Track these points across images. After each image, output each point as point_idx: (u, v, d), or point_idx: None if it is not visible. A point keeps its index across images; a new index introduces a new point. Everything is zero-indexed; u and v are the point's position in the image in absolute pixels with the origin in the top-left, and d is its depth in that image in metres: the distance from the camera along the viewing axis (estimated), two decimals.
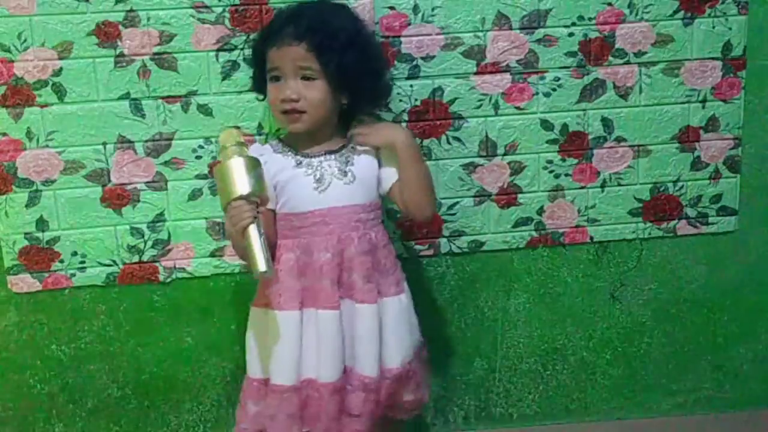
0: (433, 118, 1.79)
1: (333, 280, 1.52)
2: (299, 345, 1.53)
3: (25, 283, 1.79)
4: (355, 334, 1.54)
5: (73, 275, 1.80)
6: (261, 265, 1.40)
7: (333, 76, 1.50)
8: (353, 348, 1.54)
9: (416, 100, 1.78)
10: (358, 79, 1.53)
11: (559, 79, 1.80)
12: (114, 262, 1.80)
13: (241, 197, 1.42)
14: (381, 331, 1.55)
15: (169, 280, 1.82)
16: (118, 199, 1.77)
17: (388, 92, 1.67)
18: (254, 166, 1.45)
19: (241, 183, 1.42)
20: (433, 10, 1.74)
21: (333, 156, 1.56)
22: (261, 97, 1.66)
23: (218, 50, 1.72)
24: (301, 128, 1.54)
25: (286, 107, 1.52)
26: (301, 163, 1.55)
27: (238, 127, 1.51)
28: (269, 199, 1.51)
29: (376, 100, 1.64)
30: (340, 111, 1.58)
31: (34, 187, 1.75)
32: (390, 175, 1.59)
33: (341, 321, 1.53)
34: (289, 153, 1.57)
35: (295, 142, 1.58)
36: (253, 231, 1.42)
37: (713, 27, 1.80)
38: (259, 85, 1.62)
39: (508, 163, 1.83)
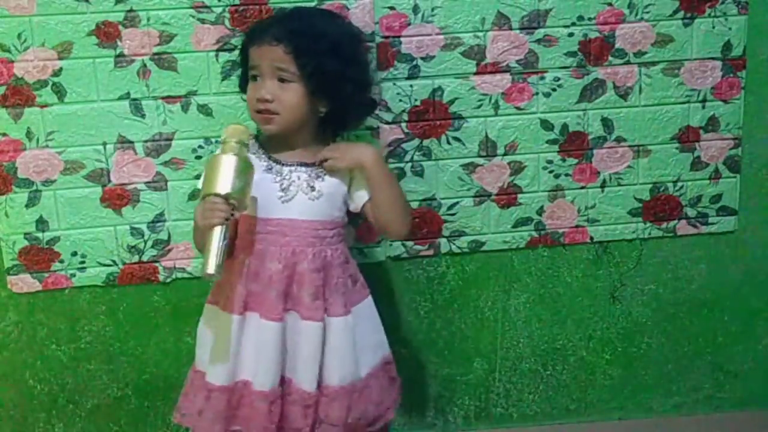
0: (433, 118, 1.79)
1: (279, 292, 1.51)
2: (237, 347, 1.52)
3: (25, 283, 1.79)
4: (297, 348, 1.53)
5: (73, 275, 1.80)
6: (211, 267, 1.41)
7: (309, 79, 1.48)
8: (294, 360, 1.53)
9: (416, 100, 1.78)
10: (337, 86, 1.51)
11: (559, 79, 1.80)
12: (114, 262, 1.80)
13: (219, 195, 1.42)
14: (324, 349, 1.53)
15: (169, 280, 1.82)
16: (118, 199, 1.77)
17: (372, 107, 1.65)
18: (246, 169, 1.45)
19: (224, 182, 1.42)
20: (433, 10, 1.74)
21: (305, 169, 1.55)
22: (245, 96, 1.63)
23: (218, 50, 1.72)
24: (273, 130, 1.53)
25: (260, 107, 1.51)
26: (271, 168, 1.55)
27: (246, 127, 1.51)
28: (247, 207, 1.49)
29: (357, 112, 1.62)
30: (321, 121, 1.56)
31: (34, 187, 1.75)
32: (362, 194, 1.57)
33: (283, 333, 1.52)
34: (263, 155, 1.56)
35: (269, 144, 1.57)
36: (217, 232, 1.43)
37: (713, 27, 1.80)
38: (243, 84, 1.61)
39: (508, 163, 1.83)
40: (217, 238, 1.42)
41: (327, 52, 1.49)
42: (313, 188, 1.54)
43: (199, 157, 1.76)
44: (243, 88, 1.61)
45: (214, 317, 1.58)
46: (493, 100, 1.79)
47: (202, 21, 1.71)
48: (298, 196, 1.53)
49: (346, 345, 1.55)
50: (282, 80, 1.50)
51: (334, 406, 1.55)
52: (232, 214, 1.44)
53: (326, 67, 1.48)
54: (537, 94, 1.80)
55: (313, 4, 1.70)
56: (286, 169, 1.55)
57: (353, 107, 1.59)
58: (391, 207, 1.56)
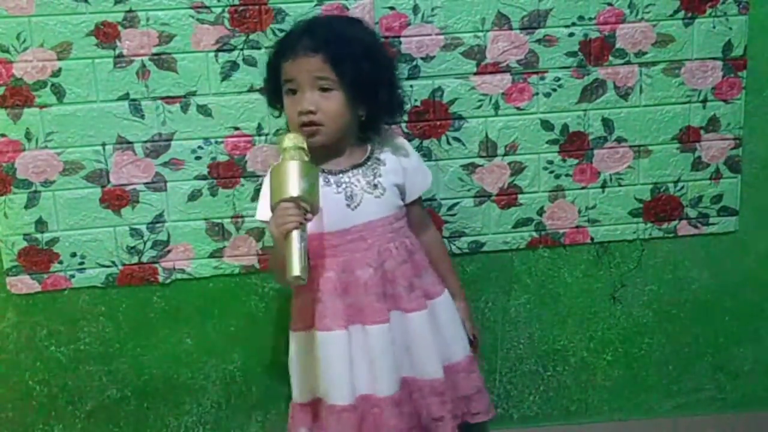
0: (433, 118, 1.79)
1: (378, 295, 1.52)
2: (350, 363, 1.52)
3: (24, 284, 1.79)
4: (410, 343, 1.54)
5: (73, 276, 1.79)
6: (296, 269, 1.39)
7: (349, 86, 1.48)
8: (410, 357, 1.55)
9: (416, 100, 1.78)
10: (374, 90, 1.52)
11: (559, 79, 1.79)
12: (113, 263, 1.79)
13: (291, 199, 1.40)
14: (438, 332, 1.56)
15: (168, 281, 1.82)
16: (117, 200, 1.77)
17: (403, 103, 1.66)
18: (310, 171, 1.43)
19: (292, 185, 1.40)
20: (433, 10, 1.74)
21: (360, 170, 1.55)
22: (276, 113, 1.65)
23: (217, 51, 1.72)
24: (320, 141, 1.51)
25: (304, 119, 1.49)
26: (329, 180, 1.53)
27: (299, 133, 1.49)
28: (319, 209, 1.46)
29: (392, 111, 1.62)
30: (359, 123, 1.56)
31: (33, 188, 1.74)
32: (413, 192, 1.61)
33: (392, 334, 1.52)
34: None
35: (318, 158, 1.53)
36: (295, 235, 1.40)
37: (714, 27, 1.80)
38: (272, 99, 1.60)
39: (509, 164, 1.83)
40: (296, 240, 1.40)
41: (362, 57, 1.50)
42: (375, 186, 1.54)
43: (198, 158, 1.76)
44: (271, 104, 1.61)
45: (307, 343, 1.56)
46: (493, 101, 1.79)
47: (202, 21, 1.71)
48: (365, 198, 1.53)
49: (456, 315, 1.63)
50: (322, 89, 1.49)
51: (470, 377, 1.61)
52: (306, 218, 1.42)
53: (364, 72, 1.49)
54: (537, 94, 1.80)
55: (312, 5, 1.70)
56: (343, 177, 1.54)
57: (389, 108, 1.60)
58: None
